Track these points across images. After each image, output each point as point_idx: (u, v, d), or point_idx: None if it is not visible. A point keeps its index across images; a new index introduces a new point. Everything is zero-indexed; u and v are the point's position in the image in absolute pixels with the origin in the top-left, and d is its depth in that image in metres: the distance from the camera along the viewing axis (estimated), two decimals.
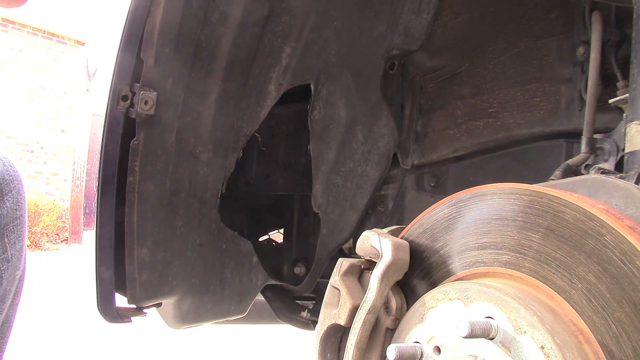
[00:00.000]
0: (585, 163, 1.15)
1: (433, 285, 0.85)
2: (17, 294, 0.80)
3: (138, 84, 1.20)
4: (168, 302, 1.38)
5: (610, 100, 1.14)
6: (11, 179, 1.04)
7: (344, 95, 1.51)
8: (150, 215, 1.27)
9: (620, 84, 1.19)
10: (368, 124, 1.57)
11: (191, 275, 1.36)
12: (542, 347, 0.65)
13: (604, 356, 0.64)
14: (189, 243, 1.36)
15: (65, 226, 10.01)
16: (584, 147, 1.16)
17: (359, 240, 0.90)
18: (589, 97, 1.19)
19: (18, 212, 1.04)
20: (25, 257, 1.00)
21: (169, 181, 1.30)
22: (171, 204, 1.31)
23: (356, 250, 0.92)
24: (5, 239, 0.98)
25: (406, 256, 0.87)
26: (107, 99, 1.19)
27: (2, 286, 0.76)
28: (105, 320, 1.28)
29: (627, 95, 1.01)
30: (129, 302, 1.28)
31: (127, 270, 1.25)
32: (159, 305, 1.37)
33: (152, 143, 1.26)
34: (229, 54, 1.30)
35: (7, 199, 1.02)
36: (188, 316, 1.42)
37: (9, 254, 1.00)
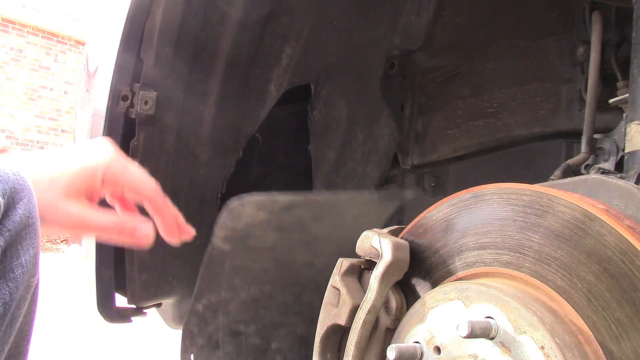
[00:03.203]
0: (585, 163, 1.15)
1: (433, 285, 0.85)
2: (33, 301, 0.81)
3: (138, 84, 1.20)
4: (168, 303, 1.38)
5: (610, 100, 1.14)
6: (21, 187, 1.07)
7: (344, 95, 1.51)
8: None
9: (620, 84, 1.19)
10: (368, 124, 1.57)
11: (191, 275, 1.36)
12: (542, 347, 0.65)
13: (604, 356, 0.64)
14: (189, 243, 1.36)
15: None
16: (584, 147, 1.16)
17: (359, 241, 0.90)
18: (589, 97, 1.19)
19: (30, 220, 1.06)
20: (39, 265, 1.03)
21: (168, 181, 1.30)
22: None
23: (356, 250, 0.92)
24: (19, 246, 0.93)
25: (406, 256, 0.87)
26: (107, 99, 1.19)
27: (19, 291, 0.77)
28: (105, 321, 1.28)
29: (627, 95, 1.01)
30: (129, 302, 1.28)
31: (127, 270, 1.25)
32: (159, 305, 1.37)
33: (152, 143, 1.26)
34: (229, 54, 1.30)
35: (18, 207, 1.03)
36: None
37: (23, 259, 0.96)
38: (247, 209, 1.19)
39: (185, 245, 1.36)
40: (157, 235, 1.29)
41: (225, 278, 1.28)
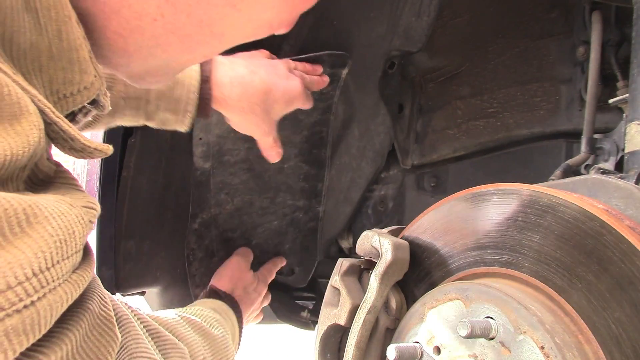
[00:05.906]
0: (585, 163, 1.15)
1: (433, 285, 0.85)
2: None
3: None
4: (152, 291, 1.42)
5: (610, 100, 1.14)
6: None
7: (342, 93, 1.51)
8: (140, 208, 1.30)
9: (620, 84, 1.20)
10: (365, 121, 1.57)
11: (176, 266, 1.40)
12: (542, 347, 0.65)
13: (603, 356, 0.64)
14: (177, 235, 1.39)
15: None
16: (584, 147, 1.16)
17: (359, 240, 0.90)
18: (589, 97, 1.19)
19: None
20: None
21: (161, 175, 1.33)
22: (161, 198, 1.33)
23: (356, 250, 0.92)
24: None
25: (406, 256, 0.87)
26: None
27: None
28: None
29: (627, 95, 1.01)
30: (111, 292, 1.31)
31: (114, 260, 1.28)
32: (142, 293, 1.40)
33: (148, 141, 1.27)
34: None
35: None
36: (173, 304, 1.45)
37: None
38: (214, 121, 1.28)
39: (172, 238, 1.39)
40: (145, 228, 1.31)
41: (212, 195, 1.40)
